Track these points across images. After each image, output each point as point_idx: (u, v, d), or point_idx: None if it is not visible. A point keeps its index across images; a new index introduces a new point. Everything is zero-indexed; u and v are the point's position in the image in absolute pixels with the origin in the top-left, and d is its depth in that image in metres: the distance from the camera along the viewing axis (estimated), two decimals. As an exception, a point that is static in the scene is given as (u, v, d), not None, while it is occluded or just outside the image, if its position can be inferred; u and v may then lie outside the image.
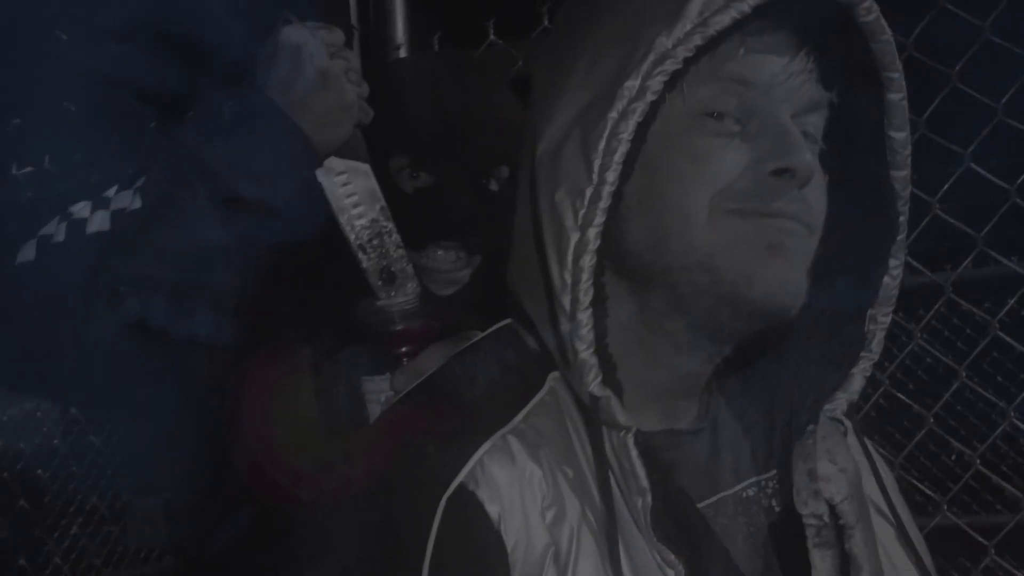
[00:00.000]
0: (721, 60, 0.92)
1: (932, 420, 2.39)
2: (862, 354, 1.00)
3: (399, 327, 1.36)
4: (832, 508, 0.95)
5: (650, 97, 0.89)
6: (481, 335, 1.02)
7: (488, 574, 0.87)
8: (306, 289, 1.45)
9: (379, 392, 1.36)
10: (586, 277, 0.90)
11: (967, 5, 2.14)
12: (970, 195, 2.17)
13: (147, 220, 1.32)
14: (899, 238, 1.00)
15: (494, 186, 1.50)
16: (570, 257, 0.91)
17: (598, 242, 0.90)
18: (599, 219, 0.90)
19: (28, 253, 1.32)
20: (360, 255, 1.35)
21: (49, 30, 1.73)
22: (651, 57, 0.89)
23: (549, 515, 0.89)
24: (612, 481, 0.91)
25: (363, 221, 1.35)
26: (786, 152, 0.91)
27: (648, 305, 0.95)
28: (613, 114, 0.90)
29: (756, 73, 0.93)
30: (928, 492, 2.42)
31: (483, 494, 0.88)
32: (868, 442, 1.06)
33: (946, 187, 2.21)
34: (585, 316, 0.91)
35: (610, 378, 0.92)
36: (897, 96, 0.96)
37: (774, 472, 1.02)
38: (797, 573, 0.96)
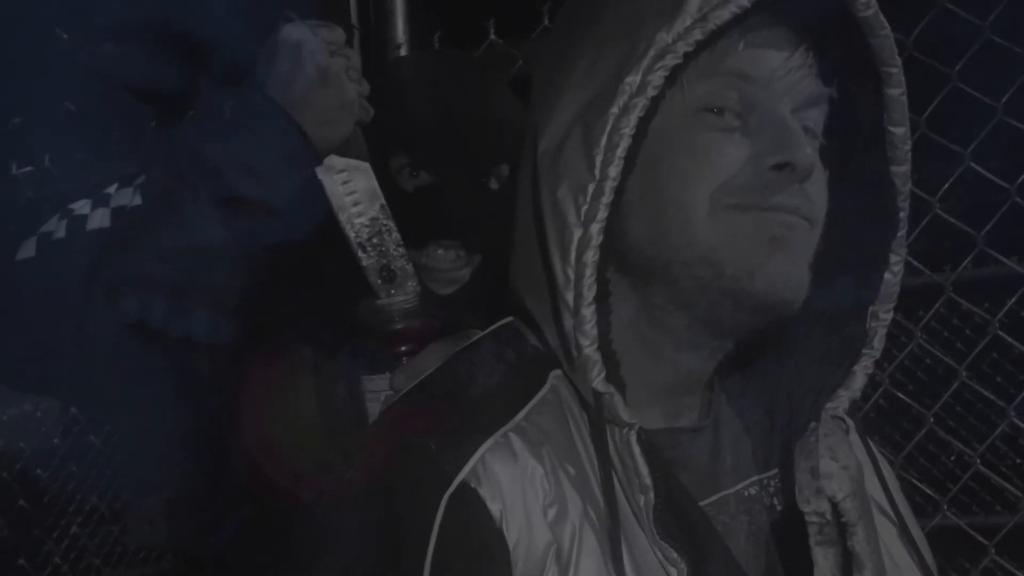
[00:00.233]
0: (721, 55, 0.92)
1: (932, 420, 2.39)
2: (863, 351, 1.00)
3: (399, 326, 1.36)
4: (834, 506, 0.95)
5: (651, 92, 0.89)
6: (481, 334, 1.02)
7: (490, 572, 0.87)
8: (306, 288, 1.45)
9: (379, 391, 1.35)
10: (589, 273, 0.90)
11: (967, 5, 2.14)
12: (970, 195, 2.17)
13: (147, 218, 1.32)
14: (900, 234, 1.00)
15: (494, 185, 1.50)
16: (573, 253, 0.91)
17: (601, 238, 0.90)
18: (602, 214, 0.90)
19: (28, 250, 1.32)
20: (360, 253, 1.35)
21: (49, 30, 1.73)
22: (651, 52, 0.89)
23: (551, 513, 0.89)
24: (614, 479, 0.91)
25: (363, 219, 1.35)
26: (786, 146, 0.91)
27: (650, 302, 0.95)
28: (614, 110, 0.90)
29: (756, 68, 0.93)
30: (928, 492, 2.42)
31: (485, 492, 0.88)
32: (870, 441, 1.06)
33: (946, 187, 2.21)
34: (589, 312, 0.91)
35: (613, 375, 0.92)
36: (896, 91, 0.96)
37: (775, 471, 1.02)
38: (799, 571, 0.96)
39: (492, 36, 2.24)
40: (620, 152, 0.90)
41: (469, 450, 0.90)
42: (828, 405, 1.00)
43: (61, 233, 1.32)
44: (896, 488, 1.07)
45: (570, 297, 0.91)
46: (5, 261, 1.33)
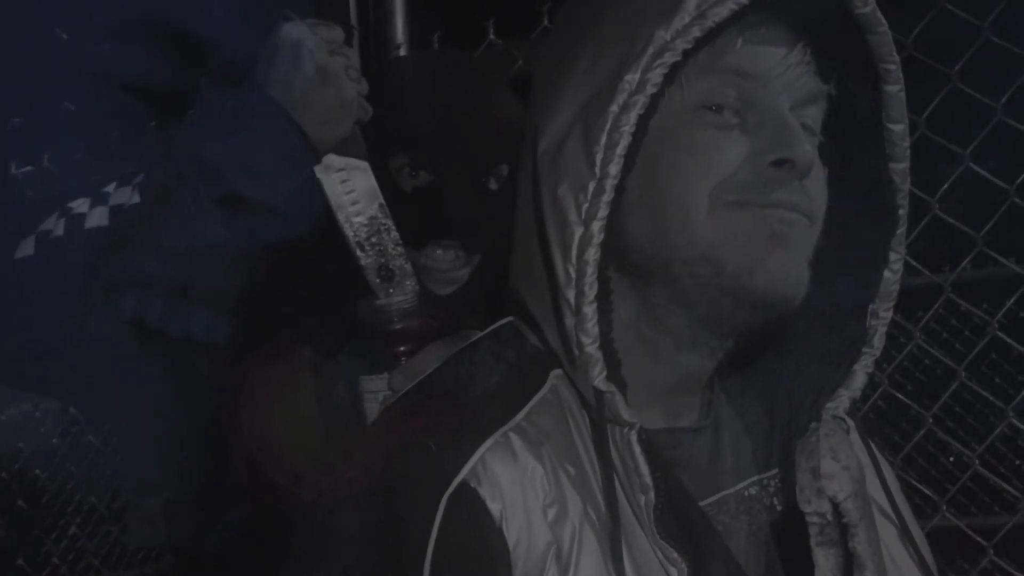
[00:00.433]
0: (720, 52, 0.92)
1: (931, 421, 2.39)
2: (863, 350, 1.00)
3: (398, 326, 1.36)
4: (835, 506, 0.95)
5: (650, 90, 0.90)
6: (481, 334, 1.02)
7: (490, 572, 0.86)
8: (305, 288, 1.45)
9: (377, 391, 1.35)
10: (591, 271, 0.90)
11: (967, 5, 2.14)
12: (970, 195, 2.16)
13: (146, 217, 1.32)
14: (899, 231, 1.00)
15: (494, 185, 1.50)
16: (574, 251, 0.91)
17: (602, 235, 0.90)
18: (603, 212, 0.90)
19: (27, 248, 1.32)
20: (358, 252, 1.35)
21: (49, 29, 1.73)
22: (650, 50, 0.89)
23: (551, 513, 0.89)
24: (615, 478, 0.91)
25: (362, 218, 1.35)
26: (785, 143, 0.91)
27: (650, 301, 0.95)
28: (614, 108, 0.90)
29: (754, 65, 0.93)
30: (927, 493, 2.42)
31: (485, 491, 0.88)
32: (871, 441, 1.06)
33: (945, 187, 2.21)
34: (590, 310, 0.91)
35: (613, 375, 0.92)
36: (894, 88, 0.96)
37: (776, 471, 1.02)
38: (799, 572, 0.96)
39: (492, 36, 2.25)
40: (620, 150, 0.90)
41: (469, 450, 0.89)
42: (828, 405, 1.00)
43: (59, 231, 1.32)
44: (897, 489, 1.07)
45: (571, 295, 0.91)
46: (4, 260, 1.33)
